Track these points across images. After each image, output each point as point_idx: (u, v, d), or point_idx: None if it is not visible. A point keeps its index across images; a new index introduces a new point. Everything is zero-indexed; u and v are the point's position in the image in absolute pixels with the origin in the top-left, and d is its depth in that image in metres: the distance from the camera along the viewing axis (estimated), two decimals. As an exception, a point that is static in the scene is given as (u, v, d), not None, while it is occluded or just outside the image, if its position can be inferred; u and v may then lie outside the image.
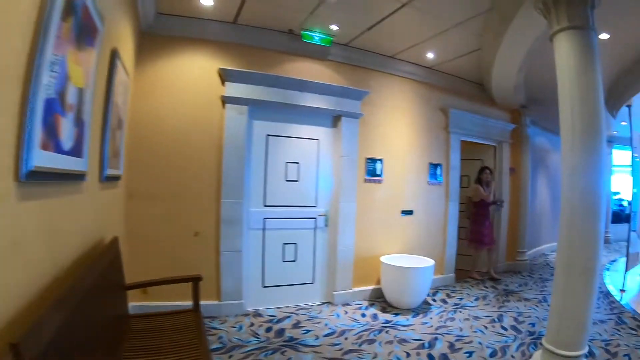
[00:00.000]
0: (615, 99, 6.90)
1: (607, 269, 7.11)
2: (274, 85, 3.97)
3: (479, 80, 5.71)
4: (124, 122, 2.95)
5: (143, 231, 3.53)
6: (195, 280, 2.72)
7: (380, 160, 4.63)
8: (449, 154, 5.36)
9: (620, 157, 17.58)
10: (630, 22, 3.65)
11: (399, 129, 4.86)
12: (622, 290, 5.47)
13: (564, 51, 2.68)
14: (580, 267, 2.58)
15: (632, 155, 6.37)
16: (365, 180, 4.51)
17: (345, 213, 4.36)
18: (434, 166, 5.18)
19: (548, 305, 4.51)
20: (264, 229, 4.10)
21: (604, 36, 3.80)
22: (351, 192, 4.38)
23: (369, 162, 4.53)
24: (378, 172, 4.60)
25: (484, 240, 5.73)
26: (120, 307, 2.34)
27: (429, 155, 5.15)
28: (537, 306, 4.57)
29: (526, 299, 4.83)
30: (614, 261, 8.39)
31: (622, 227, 12.18)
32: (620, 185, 18.35)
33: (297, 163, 4.26)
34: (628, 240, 6.05)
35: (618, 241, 11.76)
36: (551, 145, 9.60)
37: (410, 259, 4.62)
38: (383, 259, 4.46)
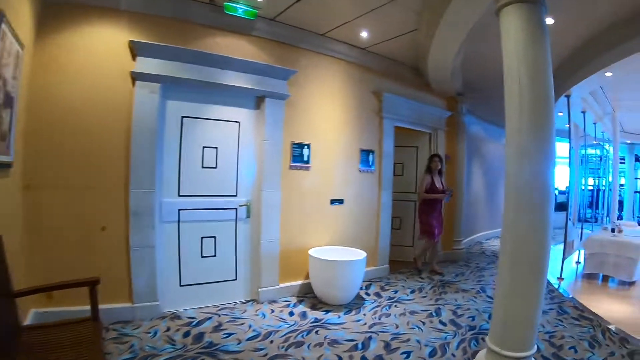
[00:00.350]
0: (554, 88, 7.52)
1: None
2: (191, 62, 3.83)
3: (415, 64, 5.90)
4: (15, 99, 2.69)
5: (45, 227, 3.29)
6: (92, 284, 2.51)
7: (308, 145, 4.68)
8: (382, 140, 5.56)
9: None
10: (574, 6, 3.82)
11: (329, 113, 4.94)
12: (560, 278, 6.01)
13: (512, 26, 2.61)
14: (527, 262, 2.52)
15: (570, 147, 7.00)
16: (291, 167, 4.55)
17: (269, 203, 4.36)
18: (366, 153, 5.36)
19: (487, 296, 4.87)
20: (178, 222, 3.99)
21: (549, 21, 3.84)
22: (275, 180, 4.40)
23: (295, 148, 4.57)
24: (305, 158, 4.65)
25: (434, 232, 5.90)
26: (7, 318, 2.13)
27: (361, 141, 5.31)
28: (475, 297, 4.82)
29: (464, 290, 5.12)
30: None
31: (555, 215, 13.51)
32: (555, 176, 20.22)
33: (215, 148, 4.18)
34: (566, 229, 6.70)
35: (552, 229, 12.95)
36: (486, 134, 10.28)
37: (341, 251, 4.73)
38: (312, 252, 4.51)
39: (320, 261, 4.37)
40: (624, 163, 14.73)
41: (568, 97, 6.36)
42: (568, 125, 6.81)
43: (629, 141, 12.45)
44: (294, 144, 4.57)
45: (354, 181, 5.26)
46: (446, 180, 6.34)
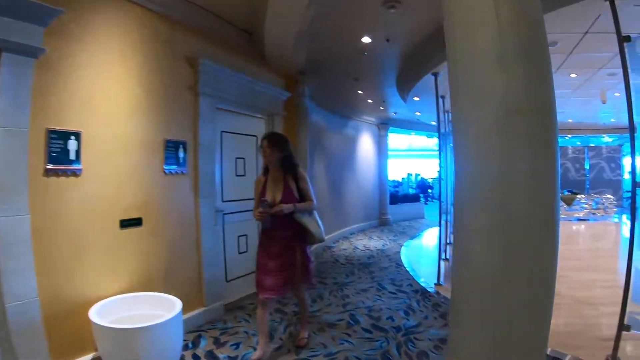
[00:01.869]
0: (407, 81, 7.40)
1: (407, 258, 7.88)
2: None
3: (248, 26, 5.15)
4: None
5: None
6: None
7: (77, 134, 3.28)
8: (198, 126, 4.49)
9: (398, 140, 21.19)
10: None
11: (115, 84, 3.65)
12: (439, 285, 5.97)
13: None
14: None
15: (439, 139, 6.91)
16: (48, 172, 3.10)
17: (8, 236, 2.88)
18: (175, 146, 4.19)
19: (363, 329, 4.32)
20: None
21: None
22: (16, 195, 2.92)
23: (53, 139, 3.13)
24: (72, 156, 3.24)
25: (262, 282, 3.67)
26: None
27: (167, 129, 4.14)
28: (349, 334, 4.25)
29: (331, 325, 4.50)
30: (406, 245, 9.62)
31: (400, 208, 14.47)
32: (397, 171, 22.22)
33: None
34: (440, 225, 6.78)
35: (398, 222, 13.65)
36: (329, 125, 10.05)
37: (143, 302, 3.57)
38: (94, 310, 3.22)
39: (108, 331, 3.08)
40: None
41: (436, 75, 6.27)
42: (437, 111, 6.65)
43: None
44: (52, 132, 3.14)
45: (158, 188, 4.05)
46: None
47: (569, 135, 17.12)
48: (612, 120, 13.66)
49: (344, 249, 9.05)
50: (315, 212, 3.87)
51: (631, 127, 3.17)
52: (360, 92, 8.73)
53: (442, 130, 6.97)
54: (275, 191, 3.71)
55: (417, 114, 11.02)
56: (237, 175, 5.43)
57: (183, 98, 4.36)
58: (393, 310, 4.95)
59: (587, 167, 16.41)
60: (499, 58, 1.83)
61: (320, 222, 3.83)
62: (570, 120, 14.10)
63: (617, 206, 14.60)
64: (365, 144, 12.70)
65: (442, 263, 6.24)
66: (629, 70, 3.15)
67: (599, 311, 4.63)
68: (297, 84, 6.52)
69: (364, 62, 6.53)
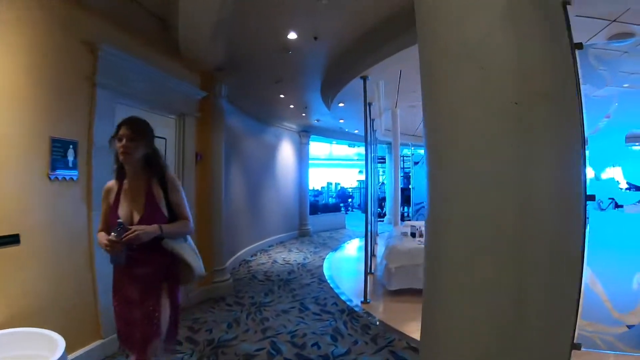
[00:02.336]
0: (333, 84, 7.09)
1: (330, 273, 7.42)
2: None
3: (161, 12, 4.62)
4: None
5: None
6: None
7: None
8: (93, 123, 3.77)
9: (319, 148, 21.13)
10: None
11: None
12: (366, 303, 5.67)
13: None
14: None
15: (366, 147, 6.57)
16: None
17: None
18: (63, 145, 3.46)
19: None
20: None
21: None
22: None
23: None
24: None
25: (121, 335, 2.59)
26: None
27: (54, 125, 3.41)
28: None
29: (252, 356, 3.92)
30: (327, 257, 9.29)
31: (320, 218, 14.18)
32: (317, 180, 22.07)
33: None
34: (366, 237, 6.24)
35: (318, 232, 13.37)
36: (247, 130, 9.59)
37: (20, 340, 2.79)
38: None
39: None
40: (384, 162, 16.79)
41: (365, 79, 6.00)
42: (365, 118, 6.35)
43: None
44: None
45: (40, 198, 3.31)
46: (201, 189, 4.95)
47: None
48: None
49: (263, 263, 8.54)
50: (189, 237, 2.74)
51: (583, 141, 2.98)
52: (282, 95, 8.32)
53: (370, 138, 6.72)
54: (134, 206, 2.51)
55: (341, 121, 10.80)
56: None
57: (79, 90, 3.65)
58: (318, 334, 4.51)
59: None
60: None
61: (197, 251, 2.71)
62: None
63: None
64: (286, 152, 12.32)
65: (369, 278, 5.95)
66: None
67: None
68: (214, 83, 5.96)
69: (288, 62, 6.13)
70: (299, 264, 8.53)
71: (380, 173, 17.83)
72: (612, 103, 3.87)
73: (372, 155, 8.52)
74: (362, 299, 5.74)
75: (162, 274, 2.54)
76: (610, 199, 17.84)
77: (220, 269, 6.14)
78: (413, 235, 7.07)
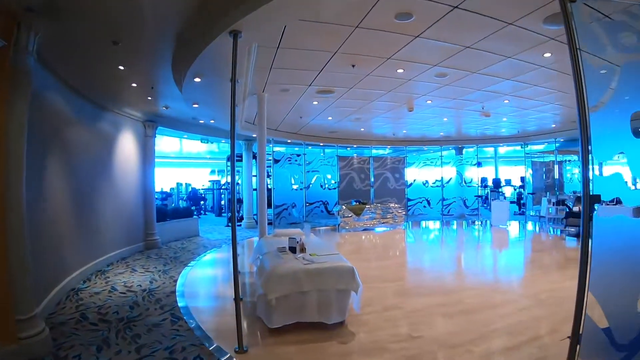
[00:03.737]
0: (188, 49, 5.45)
1: (186, 302, 5.49)
2: None
3: None
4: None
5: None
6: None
7: None
8: None
9: (167, 144, 18.70)
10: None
11: None
12: (241, 352, 4.09)
13: None
14: None
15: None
16: None
17: None
18: None
19: None
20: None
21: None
22: None
23: None
24: None
25: None
26: None
27: None
28: None
29: None
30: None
31: (169, 226, 12.15)
32: (165, 180, 19.67)
33: None
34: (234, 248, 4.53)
35: (168, 243, 11.36)
36: (76, 114, 7.32)
37: None
38: None
39: None
40: (240, 160, 15.34)
41: (236, 35, 4.45)
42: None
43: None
44: None
45: None
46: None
47: (355, 145, 17.58)
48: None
49: (97, 293, 6.37)
50: None
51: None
52: (121, 67, 6.26)
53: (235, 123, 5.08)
54: None
55: (195, 106, 8.81)
56: None
57: None
58: None
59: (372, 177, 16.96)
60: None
61: None
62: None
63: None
64: (128, 146, 9.98)
65: (241, 308, 4.43)
66: None
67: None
68: (19, 30, 3.94)
69: (130, 11, 4.31)
70: (144, 290, 6.53)
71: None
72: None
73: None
74: (237, 347, 4.19)
75: None
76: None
77: (27, 318, 4.06)
78: (293, 250, 5.64)
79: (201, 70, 5.92)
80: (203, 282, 7.51)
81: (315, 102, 9.77)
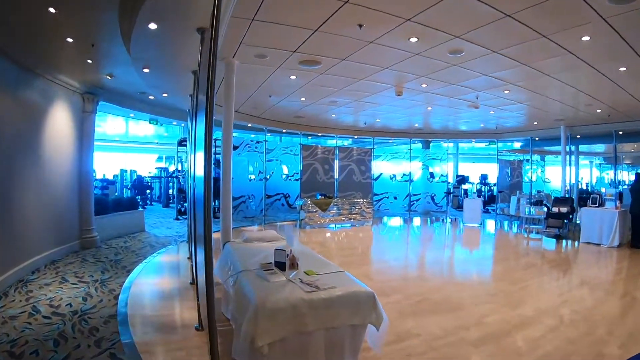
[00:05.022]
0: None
1: (131, 330, 3.90)
2: None
3: None
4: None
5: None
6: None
7: None
8: None
9: (110, 125, 16.66)
10: None
11: None
12: None
13: None
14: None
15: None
16: None
17: None
18: None
19: None
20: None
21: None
22: None
23: None
24: None
25: None
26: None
27: None
28: None
29: None
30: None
31: (110, 219, 10.18)
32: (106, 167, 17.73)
33: None
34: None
35: (108, 240, 9.47)
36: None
37: None
38: None
39: None
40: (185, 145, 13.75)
41: None
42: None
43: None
44: None
45: None
46: None
47: (320, 134, 16.46)
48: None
49: (12, 318, 4.64)
50: None
51: None
52: (52, 9, 4.58)
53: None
54: None
55: (145, 70, 7.02)
56: None
57: None
58: None
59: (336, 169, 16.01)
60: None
61: None
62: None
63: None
64: (61, 121, 8.08)
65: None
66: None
67: None
68: None
69: None
70: (75, 313, 4.84)
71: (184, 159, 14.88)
72: None
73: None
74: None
75: None
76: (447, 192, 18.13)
77: None
78: (281, 266, 3.96)
79: (159, 9, 4.32)
80: (152, 298, 5.81)
81: (292, 77, 8.34)
